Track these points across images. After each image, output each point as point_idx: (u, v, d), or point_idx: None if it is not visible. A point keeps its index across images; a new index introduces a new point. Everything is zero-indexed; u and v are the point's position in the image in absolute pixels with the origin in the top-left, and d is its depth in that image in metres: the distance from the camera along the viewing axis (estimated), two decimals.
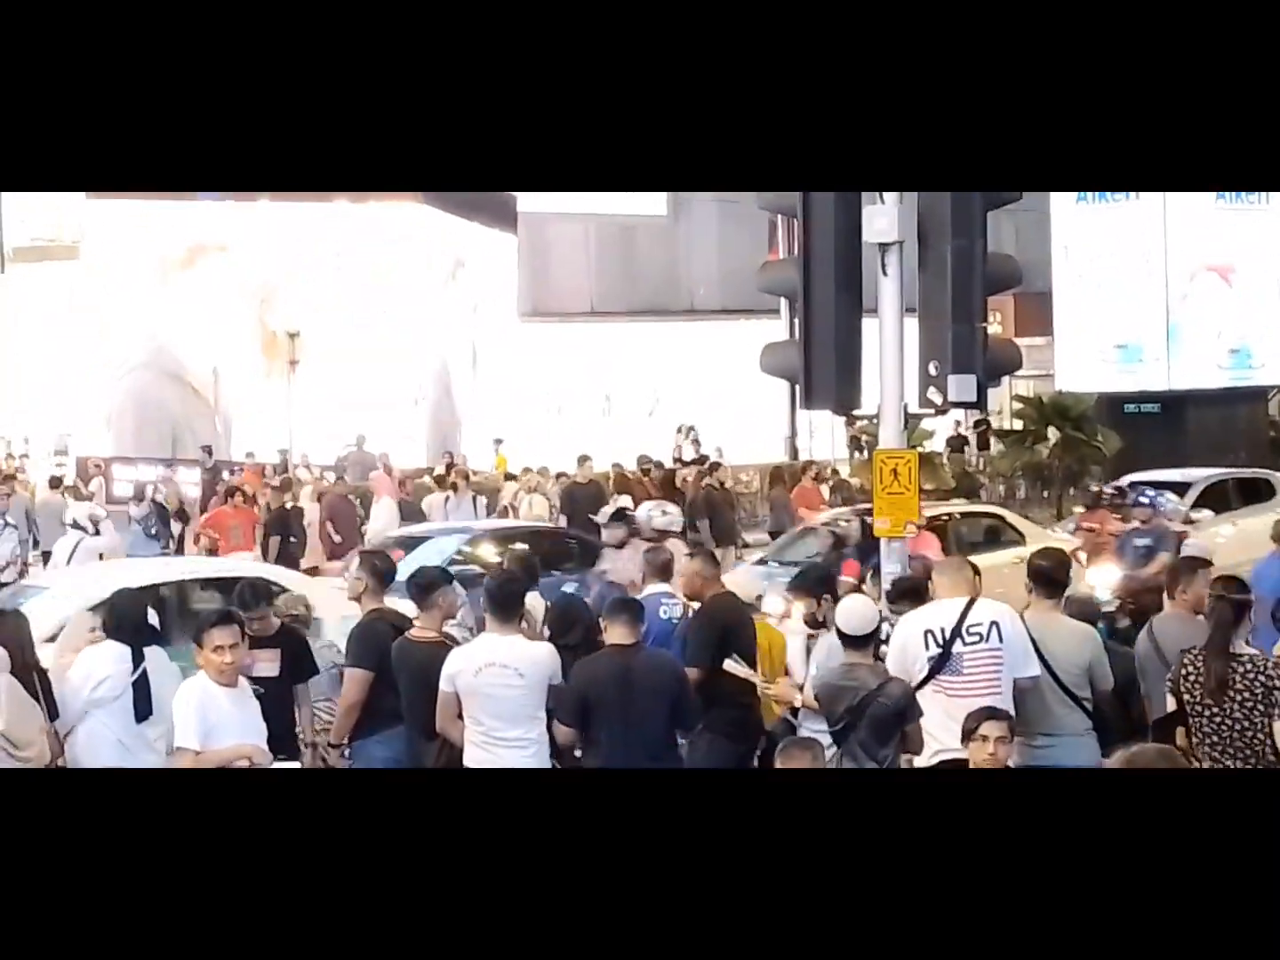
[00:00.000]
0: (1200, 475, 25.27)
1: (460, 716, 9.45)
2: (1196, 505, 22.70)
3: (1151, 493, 17.71)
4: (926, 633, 9.46)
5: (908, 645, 9.53)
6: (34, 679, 9.60)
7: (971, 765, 8.45)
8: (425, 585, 10.27)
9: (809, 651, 10.59)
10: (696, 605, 11.11)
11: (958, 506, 23.44)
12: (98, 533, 20.47)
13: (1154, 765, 6.23)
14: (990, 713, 8.54)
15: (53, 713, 9.60)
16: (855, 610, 9.78)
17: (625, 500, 25.24)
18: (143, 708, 9.71)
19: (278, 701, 10.01)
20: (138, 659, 9.76)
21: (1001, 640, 9.38)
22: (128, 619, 10.03)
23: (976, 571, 10.22)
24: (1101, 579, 15.07)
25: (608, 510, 16.46)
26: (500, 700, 9.32)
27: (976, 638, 9.39)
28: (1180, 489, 23.50)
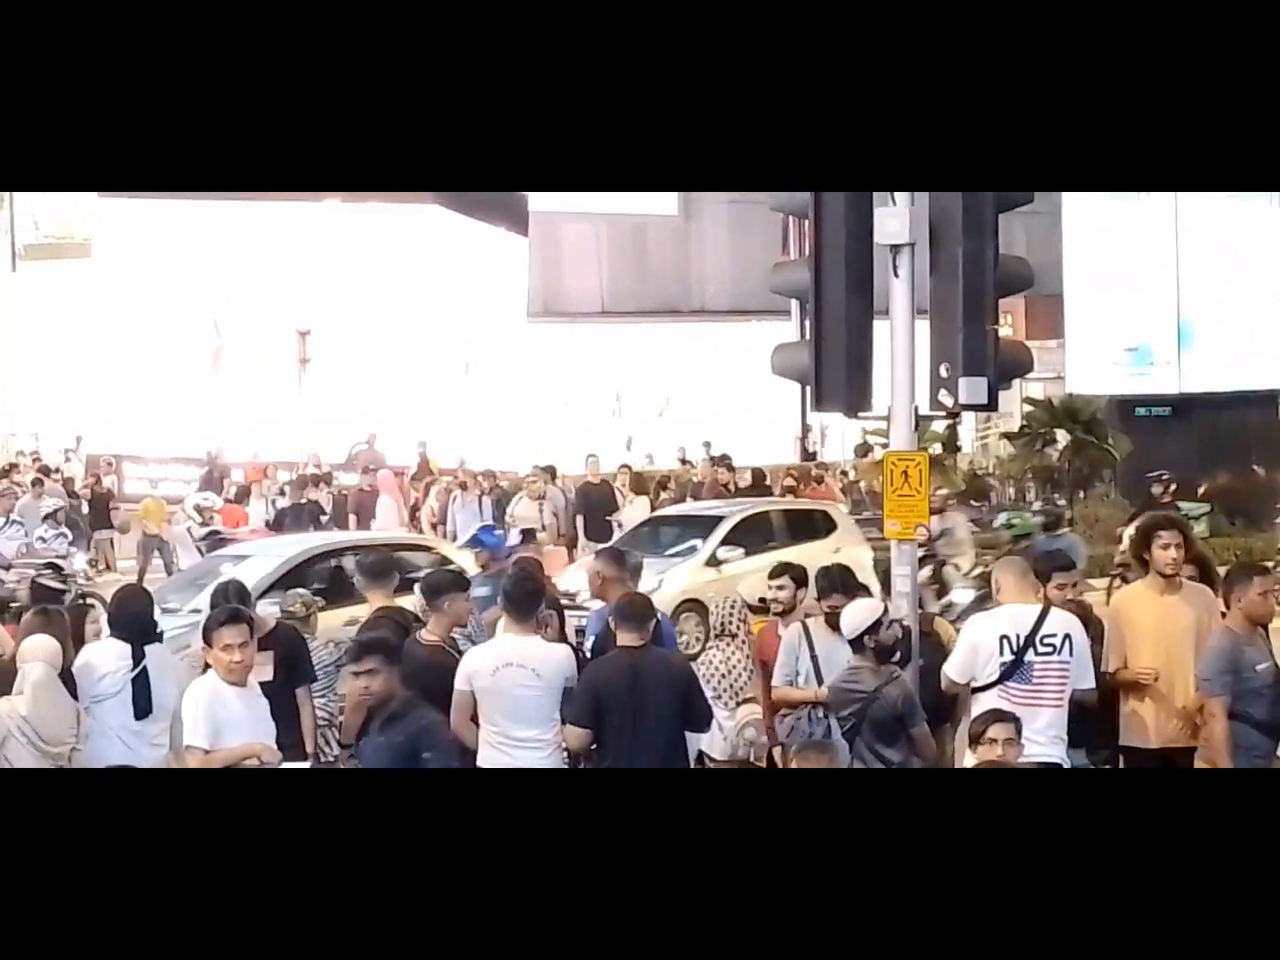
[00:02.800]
0: (737, 508, 22.34)
1: (474, 719, 9.44)
2: (729, 541, 20.30)
3: (497, 533, 15.81)
4: (1002, 638, 9.42)
5: (980, 647, 9.52)
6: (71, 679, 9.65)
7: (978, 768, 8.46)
8: (434, 589, 10.30)
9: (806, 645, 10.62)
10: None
11: (361, 537, 20.76)
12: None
13: None
14: (998, 715, 8.56)
15: None
16: (849, 612, 9.83)
17: (642, 501, 25.18)
18: (142, 704, 9.71)
19: (272, 706, 9.65)
20: (138, 656, 9.76)
21: (1072, 653, 9.37)
22: (129, 616, 10.04)
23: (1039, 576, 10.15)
24: None
25: None
26: (517, 700, 9.30)
27: (1050, 649, 9.37)
28: (710, 523, 21.08)
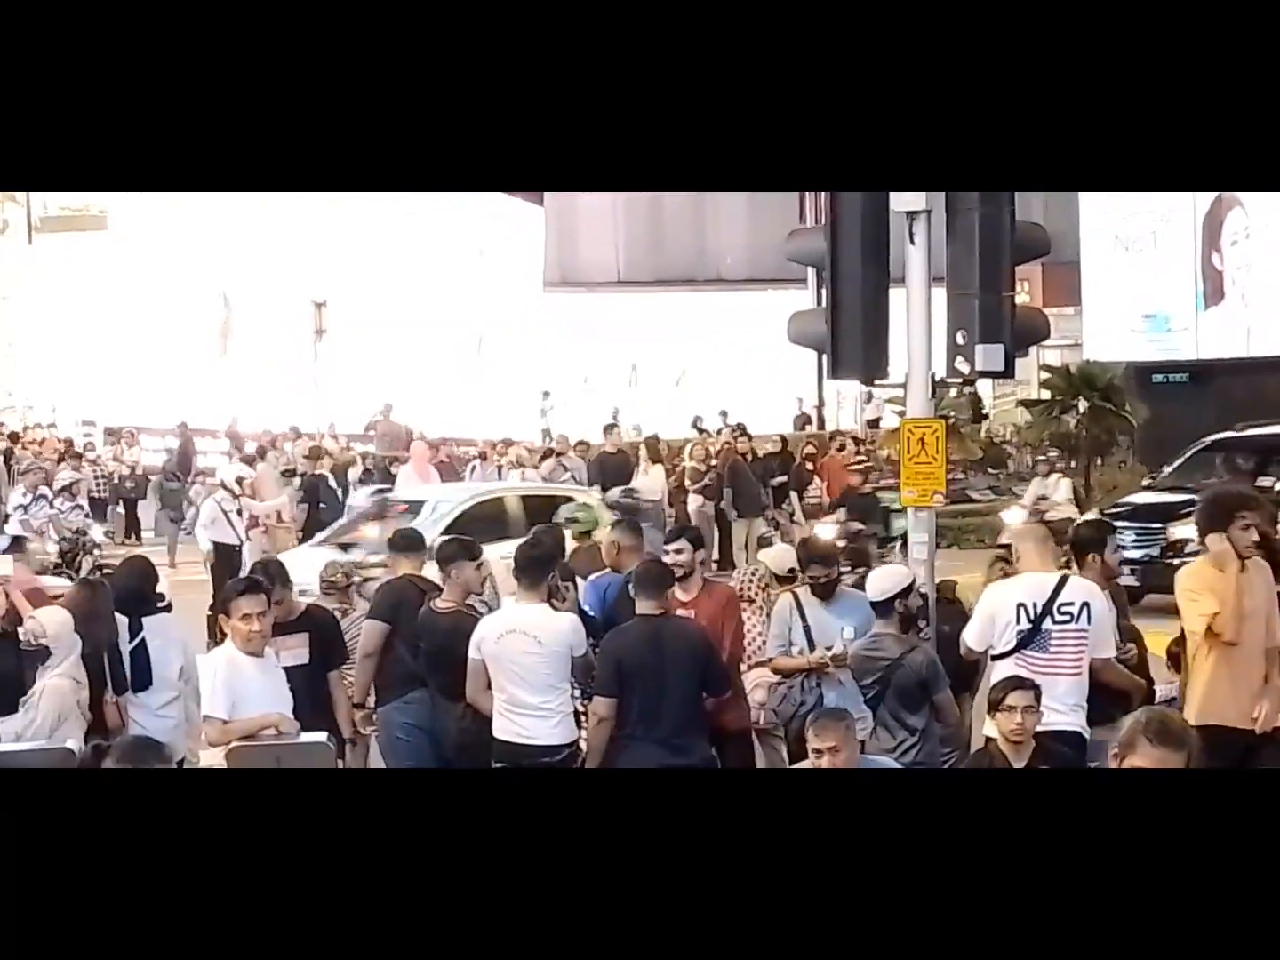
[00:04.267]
0: (466, 494, 19.78)
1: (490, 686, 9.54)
2: (453, 530, 16.52)
3: None
4: (1019, 606, 9.41)
5: (997, 615, 9.51)
6: (103, 653, 9.64)
7: (999, 735, 8.47)
8: (443, 558, 10.39)
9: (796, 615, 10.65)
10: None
11: None
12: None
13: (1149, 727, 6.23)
14: (1017, 682, 8.57)
15: (119, 685, 9.66)
16: (878, 577, 9.83)
17: (657, 470, 25.16)
18: (140, 677, 9.73)
19: (309, 690, 9.66)
20: (135, 628, 9.78)
21: (1090, 621, 9.37)
22: (126, 589, 10.06)
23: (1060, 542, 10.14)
24: None
25: None
26: (521, 668, 9.42)
27: (1067, 617, 9.36)
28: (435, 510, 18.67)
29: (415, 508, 19.39)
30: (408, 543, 11.47)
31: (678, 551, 10.70)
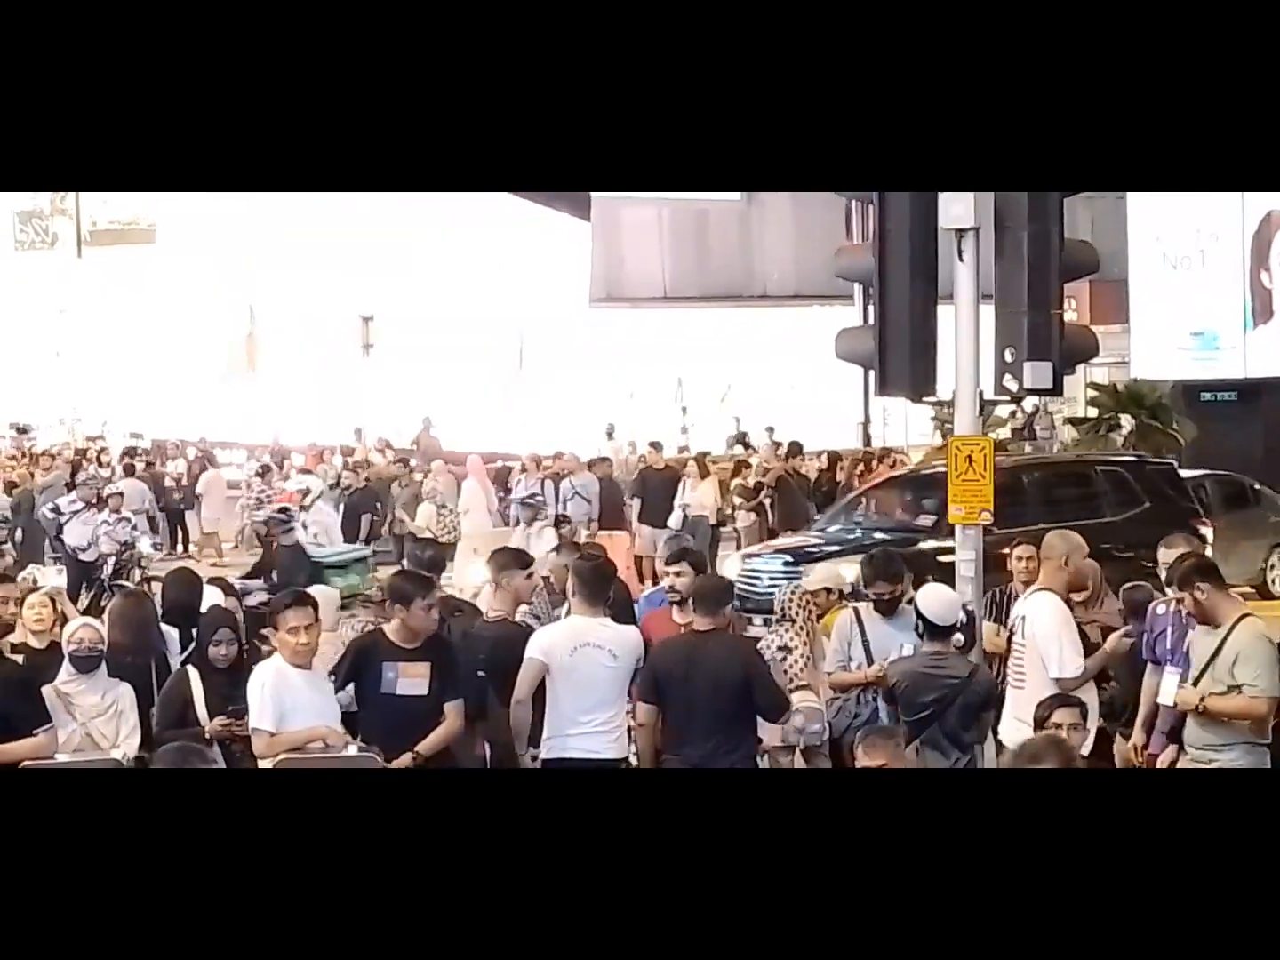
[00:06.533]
0: None
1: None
2: None
3: None
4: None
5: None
6: (150, 664, 9.66)
7: None
8: (497, 566, 10.40)
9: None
10: None
11: None
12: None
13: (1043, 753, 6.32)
14: (1062, 700, 8.55)
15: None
16: (940, 599, 9.82)
17: (707, 486, 25.18)
18: None
19: (423, 721, 9.20)
20: (186, 640, 9.82)
21: (1024, 636, 9.42)
22: (177, 601, 10.11)
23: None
24: None
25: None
26: (593, 681, 9.34)
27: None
28: None
29: None
30: (432, 559, 11.49)
31: (678, 574, 10.68)
